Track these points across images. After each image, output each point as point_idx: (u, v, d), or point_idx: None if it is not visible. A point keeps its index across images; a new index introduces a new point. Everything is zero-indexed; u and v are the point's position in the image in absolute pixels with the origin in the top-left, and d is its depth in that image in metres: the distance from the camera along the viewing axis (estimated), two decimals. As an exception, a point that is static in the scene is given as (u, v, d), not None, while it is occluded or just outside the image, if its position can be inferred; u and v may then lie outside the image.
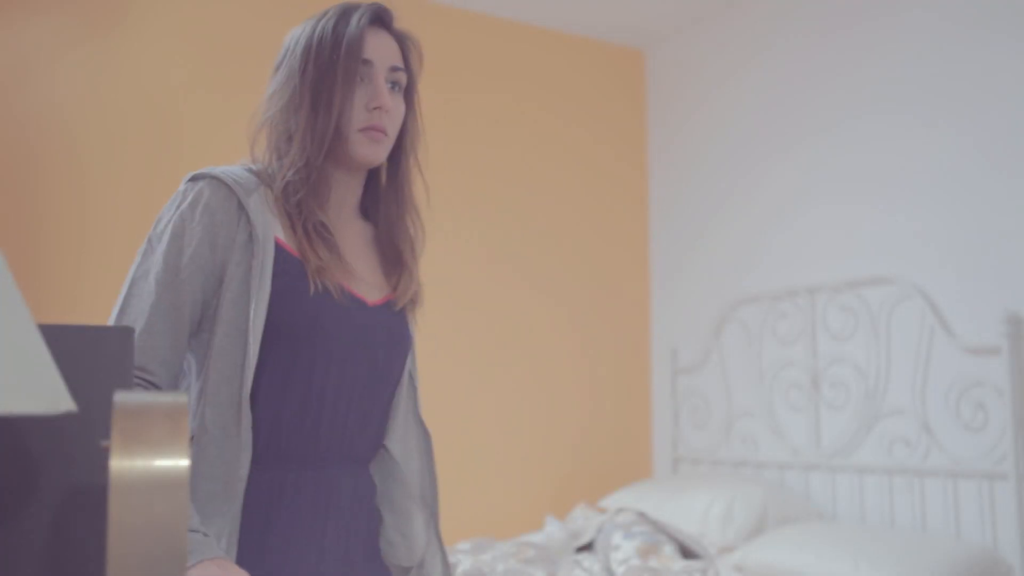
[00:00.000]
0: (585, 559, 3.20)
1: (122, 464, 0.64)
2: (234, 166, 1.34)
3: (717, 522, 3.30)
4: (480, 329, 4.09)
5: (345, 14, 1.32)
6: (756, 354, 3.86)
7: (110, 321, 1.24)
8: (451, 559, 3.21)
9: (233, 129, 3.67)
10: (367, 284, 1.38)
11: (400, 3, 1.56)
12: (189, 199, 1.26)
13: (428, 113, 4.30)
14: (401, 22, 1.45)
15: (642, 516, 3.35)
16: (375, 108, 1.31)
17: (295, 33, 1.37)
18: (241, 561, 1.21)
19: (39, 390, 0.62)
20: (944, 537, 2.91)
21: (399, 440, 1.43)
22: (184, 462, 0.63)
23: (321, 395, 1.28)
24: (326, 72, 1.29)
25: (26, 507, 0.78)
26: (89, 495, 0.78)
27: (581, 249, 4.37)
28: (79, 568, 0.77)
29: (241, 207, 1.26)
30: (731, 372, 3.99)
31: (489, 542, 3.47)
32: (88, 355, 0.87)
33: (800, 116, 3.78)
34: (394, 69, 1.35)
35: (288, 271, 1.27)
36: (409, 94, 1.41)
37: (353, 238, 1.41)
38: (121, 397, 0.68)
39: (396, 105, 1.36)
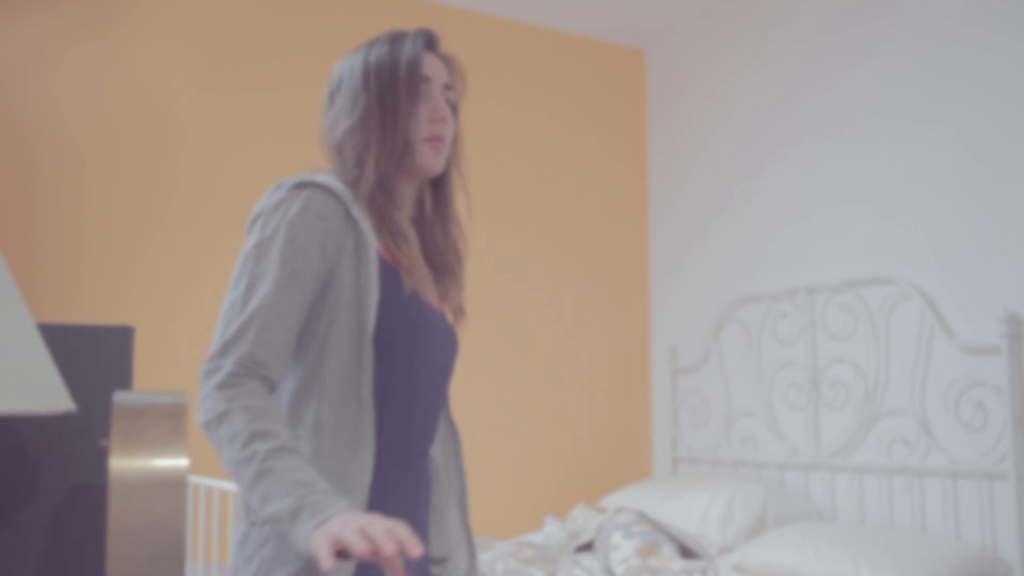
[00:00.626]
0: (585, 559, 3.21)
1: (121, 464, 0.65)
2: (325, 175, 1.38)
3: (717, 522, 3.31)
4: (480, 329, 4.10)
5: (398, 38, 1.43)
6: (756, 354, 3.86)
7: (226, 323, 1.24)
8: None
9: (233, 128, 3.68)
10: (430, 291, 1.46)
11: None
12: (298, 206, 1.30)
13: None
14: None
15: (641, 516, 3.35)
16: (437, 119, 1.40)
17: (347, 63, 1.45)
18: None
19: (38, 390, 0.62)
20: (943, 537, 2.91)
21: (440, 439, 1.52)
22: (183, 462, 0.63)
23: (415, 395, 1.38)
24: (390, 89, 1.38)
25: (26, 507, 0.78)
26: (88, 495, 0.78)
27: (581, 249, 4.38)
28: (78, 567, 0.78)
29: (348, 215, 1.33)
30: (731, 372, 3.99)
31: (489, 542, 3.47)
32: (87, 355, 0.87)
33: (799, 117, 3.78)
34: (447, 87, 1.46)
35: (387, 276, 1.35)
36: (455, 112, 1.49)
37: (414, 245, 1.48)
38: (120, 397, 0.69)
39: (452, 118, 1.45)
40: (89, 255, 3.37)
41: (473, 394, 4.04)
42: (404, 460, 1.37)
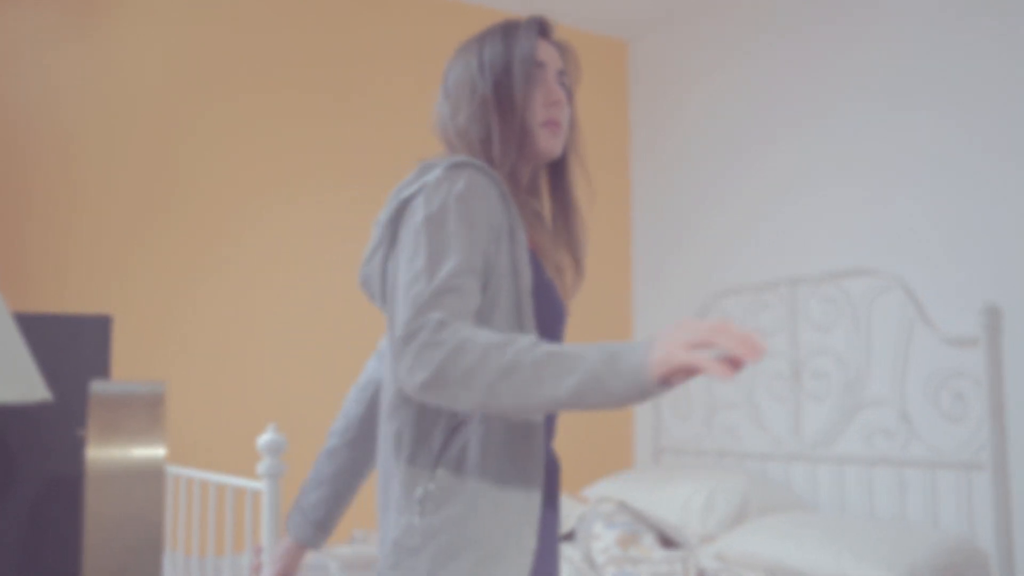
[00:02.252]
0: (566, 548, 3.21)
1: (99, 453, 0.64)
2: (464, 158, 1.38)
3: (698, 512, 3.32)
4: (463, 319, 4.09)
5: (511, 28, 1.44)
6: (738, 345, 3.87)
7: (415, 295, 1.19)
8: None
9: (222, 119, 3.66)
10: (558, 280, 1.47)
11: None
12: (461, 184, 1.28)
13: (407, 101, 4.27)
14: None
15: (623, 506, 3.36)
16: (552, 103, 1.42)
17: (461, 56, 1.46)
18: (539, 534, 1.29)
19: (13, 379, 0.61)
20: (922, 526, 2.94)
21: None
22: (160, 451, 0.63)
23: None
24: (506, 77, 1.39)
25: (4, 496, 0.78)
26: (66, 484, 0.78)
27: (564, 240, 4.37)
28: (56, 555, 0.77)
29: (503, 196, 1.33)
30: (713, 363, 4.00)
31: (471, 532, 3.47)
32: (65, 344, 0.86)
33: (783, 109, 3.79)
34: (560, 73, 1.47)
35: (532, 260, 1.37)
36: (569, 98, 1.50)
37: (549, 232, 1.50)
38: (98, 386, 0.68)
39: (567, 103, 1.47)
40: (74, 245, 3.34)
41: (456, 385, 4.03)
42: (549, 444, 1.38)
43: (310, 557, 2.98)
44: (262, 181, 3.74)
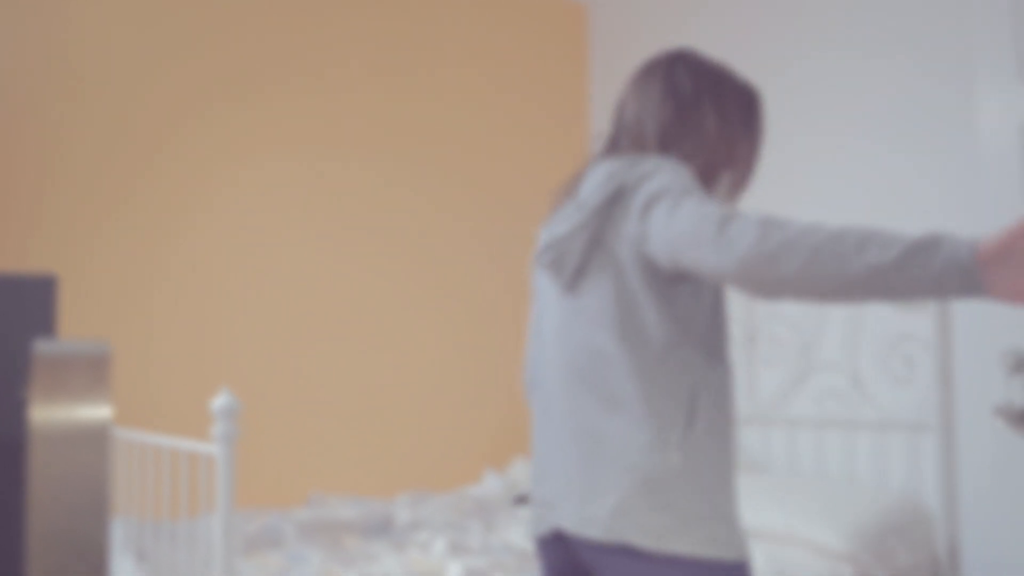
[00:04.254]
0: (523, 511, 3.24)
1: (42, 414, 0.63)
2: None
3: (653, 474, 3.36)
4: (419, 284, 4.08)
5: (756, 99, 1.61)
6: (693, 309, 3.90)
7: (706, 212, 1.30)
8: (389, 511, 3.23)
9: (188, 88, 3.58)
10: None
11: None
12: (684, 169, 1.44)
13: (366, 69, 4.22)
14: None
15: (580, 468, 3.39)
16: (748, 185, 1.66)
17: (700, 77, 1.58)
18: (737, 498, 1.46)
19: (-48, 338, 0.59)
20: (870, 486, 3.00)
21: None
22: (106, 411, 0.62)
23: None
24: (746, 143, 1.59)
25: (-56, 459, 0.76)
26: (9, 446, 0.76)
27: (522, 202, 4.37)
28: (0, 519, 0.76)
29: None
30: (669, 327, 4.04)
31: (427, 495, 3.49)
32: (8, 305, 0.84)
33: (745, 72, 3.79)
34: None
35: None
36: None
37: None
38: (41, 346, 0.67)
39: None
40: (21, 204, 3.27)
41: (412, 347, 4.03)
42: None
43: (267, 519, 2.97)
44: (218, 141, 3.68)
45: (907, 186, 3.16)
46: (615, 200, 1.44)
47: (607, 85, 4.48)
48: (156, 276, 3.53)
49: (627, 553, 1.36)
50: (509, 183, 4.33)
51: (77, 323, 3.36)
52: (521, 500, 3.52)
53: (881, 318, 3.19)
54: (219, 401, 2.11)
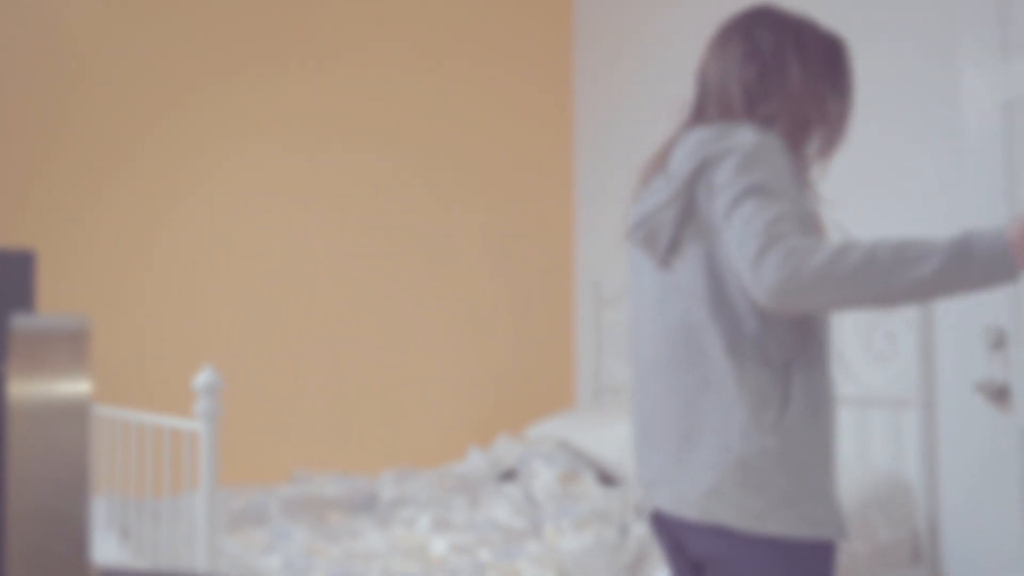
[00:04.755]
0: (507, 487, 3.25)
1: (20, 390, 0.62)
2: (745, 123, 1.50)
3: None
4: (403, 262, 4.07)
5: (843, 48, 1.57)
6: (678, 286, 3.90)
7: (760, 222, 1.30)
8: (373, 488, 3.23)
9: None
10: None
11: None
12: (768, 141, 1.41)
13: (351, 43, 4.18)
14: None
15: (563, 444, 3.41)
16: (841, 142, 1.62)
17: (774, 17, 1.56)
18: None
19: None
20: (852, 462, 3.03)
21: None
22: (85, 386, 0.61)
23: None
24: (835, 95, 1.55)
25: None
26: (-13, 423, 0.75)
27: (505, 182, 4.35)
28: (-21, 498, 0.75)
29: (791, 157, 1.46)
30: (653, 304, 4.04)
31: (412, 472, 3.49)
32: (-15, 279, 0.83)
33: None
34: None
35: None
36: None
37: None
38: (18, 321, 0.66)
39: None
40: (2, 180, 3.23)
41: (397, 325, 4.02)
42: None
43: (251, 496, 2.97)
44: (207, 121, 3.64)
45: (889, 163, 3.16)
46: (701, 173, 1.42)
47: (592, 57, 4.46)
48: (141, 254, 3.50)
49: (723, 534, 1.37)
50: (494, 162, 4.31)
51: (60, 300, 3.34)
52: (507, 476, 3.53)
53: (864, 295, 3.20)
54: (202, 378, 2.10)
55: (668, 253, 1.47)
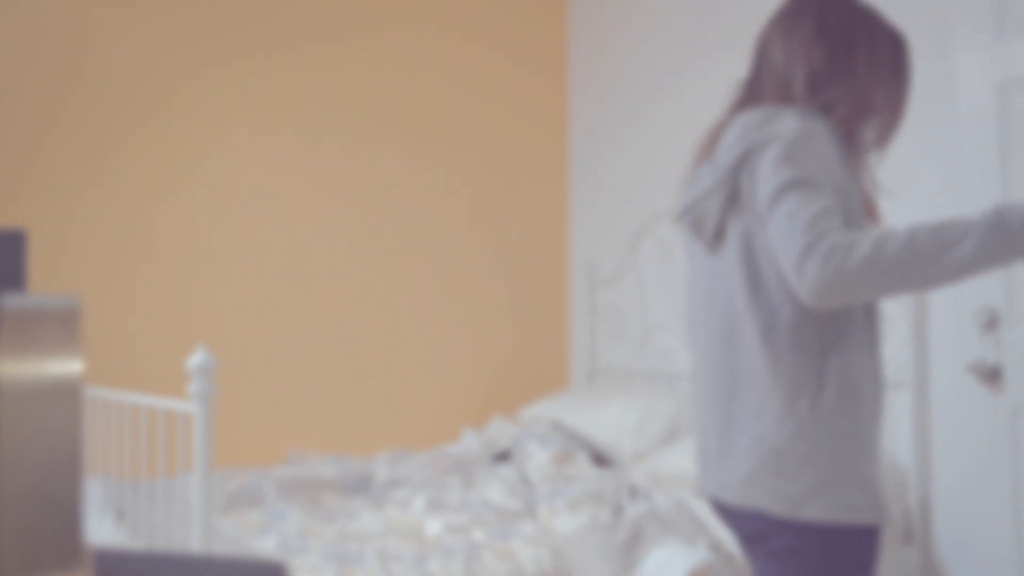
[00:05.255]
0: (501, 468, 3.26)
1: (11, 369, 0.61)
2: (794, 108, 1.49)
3: (631, 431, 3.38)
4: (397, 244, 4.06)
5: (904, 43, 1.56)
6: (672, 268, 3.91)
7: (799, 223, 1.31)
8: (368, 469, 3.24)
9: (177, 50, 3.52)
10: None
11: None
12: (812, 128, 1.42)
13: (346, 31, 4.16)
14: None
15: (557, 425, 3.42)
16: (897, 131, 1.61)
17: (845, 3, 1.54)
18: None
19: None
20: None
21: None
22: (77, 366, 0.61)
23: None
24: (896, 88, 1.54)
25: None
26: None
27: (500, 164, 4.34)
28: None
29: (839, 144, 1.47)
30: (647, 285, 4.05)
31: (407, 454, 3.50)
32: (-25, 259, 0.82)
33: (722, 29, 3.77)
34: None
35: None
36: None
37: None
38: (9, 300, 0.65)
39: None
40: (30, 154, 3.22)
41: (391, 307, 4.02)
42: None
43: (246, 478, 2.97)
44: (203, 105, 3.62)
45: (885, 144, 3.16)
46: (745, 160, 1.43)
47: (586, 38, 4.44)
48: (136, 234, 3.49)
49: (762, 519, 1.41)
50: (488, 145, 4.30)
51: (55, 282, 3.33)
52: (502, 457, 3.54)
53: (858, 276, 3.20)
54: (195, 359, 2.10)
55: (715, 240, 1.50)
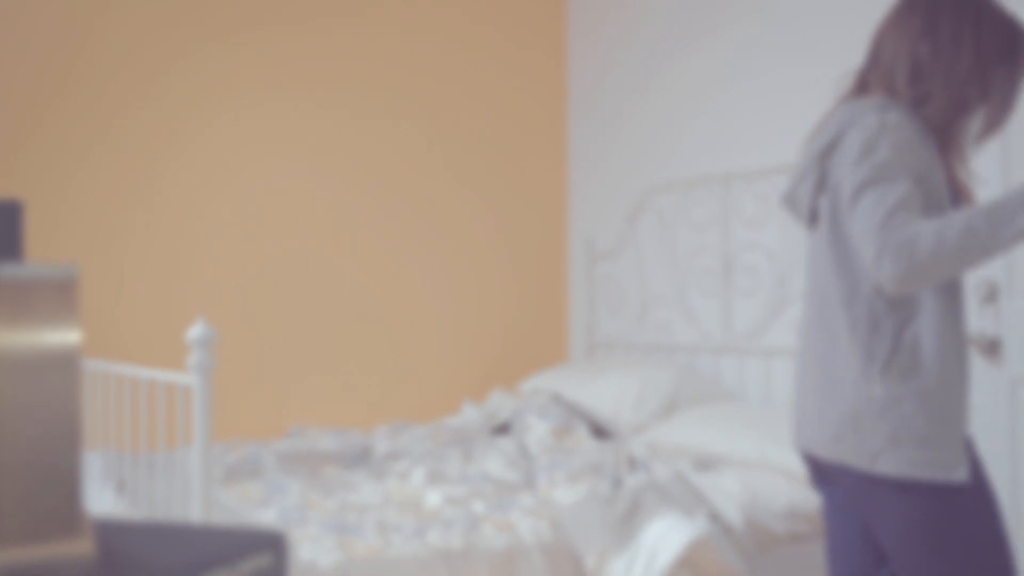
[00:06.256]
0: (501, 440, 3.27)
1: (8, 338, 0.61)
2: (883, 98, 1.58)
3: (630, 403, 3.39)
4: (397, 218, 4.05)
5: (1018, 39, 1.60)
6: (671, 241, 3.90)
7: (877, 219, 1.44)
8: (368, 442, 3.25)
9: (180, 21, 3.48)
10: None
11: None
12: (893, 118, 1.52)
13: (345, 2, 4.00)
14: None
15: (556, 398, 3.42)
16: (1005, 125, 1.72)
17: (966, 23, 1.59)
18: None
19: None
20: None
21: None
22: (74, 336, 0.60)
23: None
24: (1008, 87, 1.60)
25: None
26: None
27: (499, 137, 4.32)
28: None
29: (923, 134, 1.56)
30: (646, 259, 4.04)
31: (407, 426, 3.51)
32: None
33: (721, 4, 3.74)
34: None
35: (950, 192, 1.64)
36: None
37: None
38: (5, 270, 0.65)
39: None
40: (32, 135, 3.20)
41: (391, 281, 4.02)
42: None
43: (246, 450, 2.98)
44: (204, 77, 3.60)
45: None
46: (832, 148, 1.58)
47: (585, 13, 4.41)
48: (135, 206, 3.48)
49: (847, 472, 1.58)
50: (487, 118, 4.28)
51: (53, 253, 3.32)
52: (501, 430, 3.55)
53: (858, 249, 3.20)
54: (195, 331, 2.10)
55: (810, 219, 1.67)
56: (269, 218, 3.75)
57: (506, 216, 4.33)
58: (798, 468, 2.69)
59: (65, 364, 0.61)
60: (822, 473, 1.70)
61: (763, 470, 2.77)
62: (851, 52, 3.25)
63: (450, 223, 4.17)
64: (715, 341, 3.68)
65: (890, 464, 1.51)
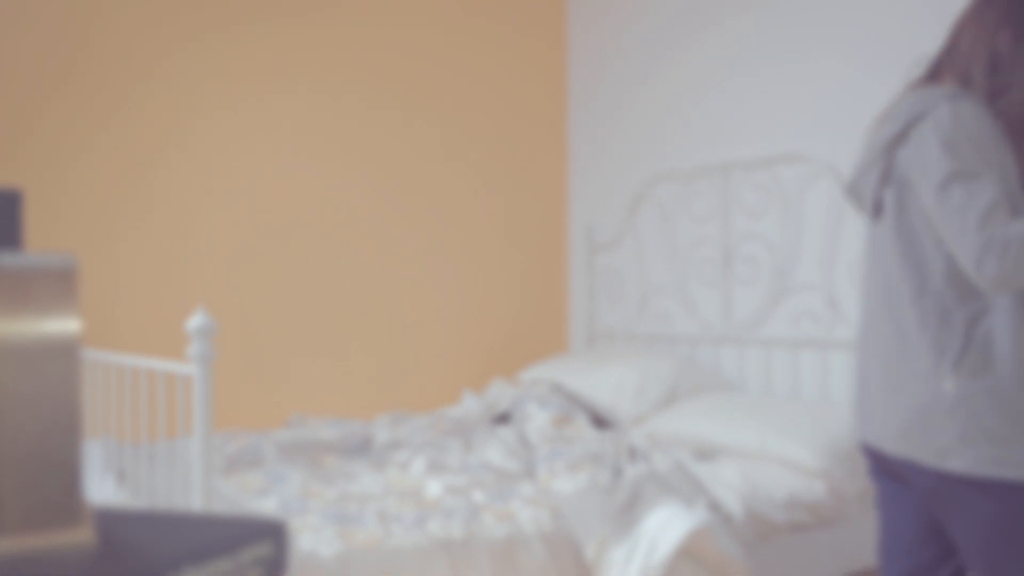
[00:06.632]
0: (501, 430, 3.27)
1: (8, 328, 0.61)
2: (954, 87, 1.57)
3: (630, 393, 3.40)
4: (397, 208, 4.05)
5: None
6: (671, 231, 3.90)
7: (967, 220, 1.44)
8: (368, 432, 3.25)
9: (181, 10, 3.47)
10: None
11: None
12: (968, 109, 1.50)
13: (346, 0, 3.97)
14: None
15: (556, 388, 3.42)
16: None
17: None
18: None
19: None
20: (844, 406, 3.05)
21: None
22: (74, 325, 0.60)
23: None
24: None
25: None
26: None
27: (500, 128, 4.32)
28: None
29: (995, 123, 1.54)
30: (646, 249, 4.04)
31: (407, 415, 3.51)
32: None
33: (722, -10, 3.73)
34: None
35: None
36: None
37: None
38: (5, 259, 0.65)
39: None
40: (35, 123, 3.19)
41: (392, 270, 4.02)
42: None
43: (247, 440, 2.99)
44: (203, 65, 3.59)
45: (860, 128, 3.13)
46: (900, 139, 1.56)
47: (585, 3, 4.40)
48: (134, 195, 3.48)
49: (915, 469, 1.57)
50: (488, 108, 4.27)
51: (53, 243, 3.32)
52: (501, 419, 3.55)
53: (857, 240, 3.20)
54: (195, 321, 2.10)
55: (875, 211, 1.65)
56: (269, 208, 3.75)
57: (506, 206, 4.33)
58: (800, 458, 2.69)
59: (65, 353, 0.61)
60: (886, 467, 1.69)
61: (763, 460, 2.77)
62: (850, 42, 3.24)
63: (450, 213, 4.17)
64: (715, 331, 3.68)
65: (961, 462, 1.50)
